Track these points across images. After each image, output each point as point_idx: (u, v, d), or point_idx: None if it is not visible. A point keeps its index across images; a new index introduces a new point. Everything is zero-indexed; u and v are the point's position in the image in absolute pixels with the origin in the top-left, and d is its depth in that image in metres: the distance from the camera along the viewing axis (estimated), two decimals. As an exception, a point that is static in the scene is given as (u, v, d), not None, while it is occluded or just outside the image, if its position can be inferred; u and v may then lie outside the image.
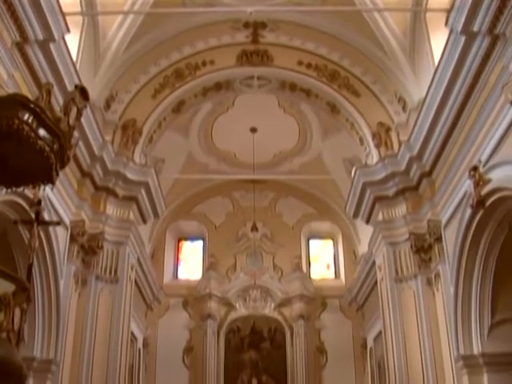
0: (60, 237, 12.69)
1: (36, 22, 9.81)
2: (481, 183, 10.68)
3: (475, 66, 10.50)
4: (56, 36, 10.36)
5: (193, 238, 22.04)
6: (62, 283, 12.75)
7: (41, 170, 6.80)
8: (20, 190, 8.38)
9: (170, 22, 14.59)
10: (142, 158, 15.77)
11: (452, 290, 12.36)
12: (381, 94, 15.37)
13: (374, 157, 15.40)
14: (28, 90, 10.28)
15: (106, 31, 14.26)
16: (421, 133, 13.25)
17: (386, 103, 15.32)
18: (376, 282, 15.82)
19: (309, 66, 15.61)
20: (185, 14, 14.28)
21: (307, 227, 21.64)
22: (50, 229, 11.93)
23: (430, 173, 13.76)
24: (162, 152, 17.70)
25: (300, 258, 20.90)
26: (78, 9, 12.90)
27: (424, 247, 13.88)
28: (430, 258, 13.77)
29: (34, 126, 6.31)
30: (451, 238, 12.45)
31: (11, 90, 9.16)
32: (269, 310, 20.05)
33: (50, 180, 7.06)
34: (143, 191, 15.37)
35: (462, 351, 11.95)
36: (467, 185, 11.24)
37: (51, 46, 10.58)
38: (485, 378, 11.52)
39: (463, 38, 10.26)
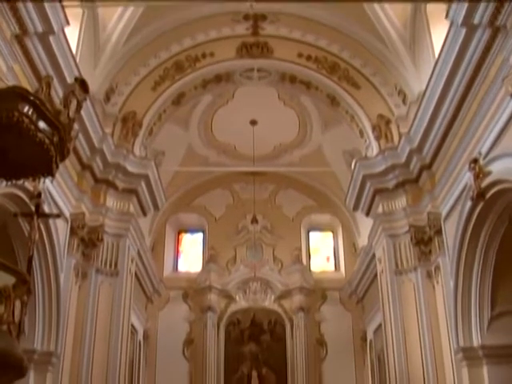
0: (60, 229, 12.70)
1: (35, 15, 9.77)
2: (481, 175, 10.68)
3: (476, 59, 10.48)
4: (55, 28, 10.32)
5: (193, 231, 22.05)
6: (62, 276, 12.75)
7: (41, 162, 6.81)
8: (20, 182, 8.38)
9: (170, 14, 14.55)
10: (141, 151, 15.75)
11: (452, 282, 12.38)
12: (381, 86, 15.35)
13: (374, 149, 15.39)
14: (28, 83, 10.25)
15: (105, 23, 14.23)
16: (421, 125, 13.24)
17: (386, 95, 15.30)
18: (376, 275, 15.84)
19: (309, 58, 15.58)
20: (185, 5, 14.25)
21: (307, 219, 21.65)
22: (50, 221, 11.94)
23: (430, 165, 13.75)
24: (161, 144, 17.69)
25: (300, 250, 20.92)
26: (78, 1, 12.86)
27: (424, 240, 13.89)
28: (430, 251, 13.78)
29: (34, 118, 6.31)
30: (451, 231, 12.45)
31: (11, 82, 9.14)
32: (269, 302, 20.08)
33: (49, 172, 7.06)
34: (143, 184, 15.37)
35: (461, 343, 11.98)
36: (467, 177, 11.24)
37: (51, 38, 10.54)
38: (484, 370, 11.55)
39: (464, 31, 10.23)
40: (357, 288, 19.11)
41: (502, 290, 11.74)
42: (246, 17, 14.87)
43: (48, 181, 10.76)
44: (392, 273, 14.40)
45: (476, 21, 9.73)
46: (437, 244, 13.48)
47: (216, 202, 21.43)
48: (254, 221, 19.07)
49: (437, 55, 11.86)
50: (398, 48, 14.49)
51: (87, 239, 13.94)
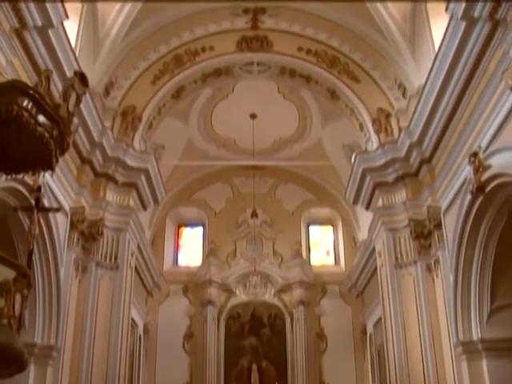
0: (60, 223, 12.70)
1: (34, 8, 9.75)
2: (481, 169, 10.68)
3: (475, 52, 10.46)
4: (55, 22, 10.30)
5: (193, 225, 22.06)
6: (62, 270, 12.76)
7: (40, 156, 6.81)
8: (20, 176, 8.39)
9: (169, 7, 14.52)
10: (141, 145, 15.75)
11: (452, 276, 12.39)
12: (381, 80, 15.33)
13: (374, 143, 15.38)
14: (27, 77, 10.24)
15: (105, 18, 14.20)
16: (421, 119, 13.23)
17: (386, 89, 15.28)
18: (376, 268, 15.85)
19: (308, 51, 15.55)
20: (184, -1, 14.25)
21: (307, 213, 21.66)
22: (50, 216, 11.94)
23: (429, 159, 13.75)
24: (161, 138, 17.68)
25: (300, 244, 20.93)
26: (77, -5, 12.86)
27: (424, 233, 13.89)
28: (430, 244, 13.79)
29: (34, 112, 6.31)
30: (451, 225, 12.46)
31: (10, 76, 9.14)
32: (269, 296, 20.11)
33: (49, 166, 7.07)
34: (143, 178, 15.37)
35: (461, 337, 12.00)
36: (467, 171, 11.24)
37: (50, 32, 10.53)
38: (484, 363, 11.58)
39: (464, 24, 10.21)
40: (357, 282, 19.14)
41: (501, 283, 11.75)
42: (246, 10, 14.86)
43: (48, 175, 10.76)
44: (392, 266, 14.41)
45: (476, 14, 9.70)
46: (436, 238, 13.48)
47: (216, 196, 21.43)
48: (254, 215, 19.05)
49: (437, 49, 11.84)
50: (398, 41, 14.46)
51: (87, 233, 13.95)
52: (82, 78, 7.09)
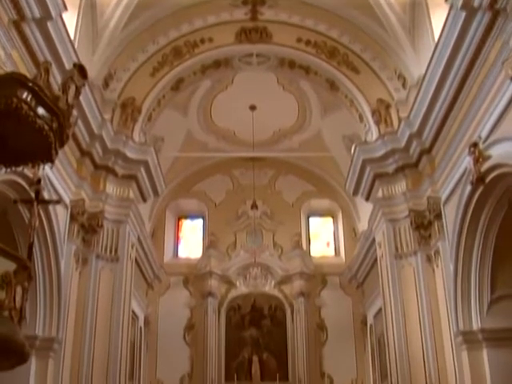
0: (60, 216, 12.69)
1: (33, 0, 9.73)
2: (481, 160, 10.67)
3: (475, 42, 10.43)
4: (53, 14, 10.27)
5: (193, 217, 22.08)
6: (62, 262, 12.76)
7: (40, 148, 6.80)
8: (19, 169, 8.37)
9: (168, -1, 14.52)
10: (141, 137, 15.72)
11: (452, 266, 12.39)
12: (380, 70, 15.30)
13: (374, 134, 15.36)
14: (26, 69, 10.20)
15: (103, 9, 14.15)
16: (421, 109, 13.21)
17: (386, 80, 15.25)
18: (376, 259, 15.87)
19: (308, 42, 15.52)
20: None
21: (307, 205, 21.67)
22: (50, 208, 11.94)
23: (429, 149, 13.74)
24: (161, 130, 17.67)
25: (300, 235, 20.97)
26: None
27: (424, 224, 13.90)
28: (430, 235, 13.80)
29: (33, 104, 6.30)
30: (451, 215, 12.46)
31: (9, 68, 9.12)
32: (269, 287, 20.14)
33: (49, 159, 7.06)
34: (143, 170, 15.36)
35: (461, 327, 12.01)
36: (467, 161, 11.23)
37: (49, 24, 10.49)
38: (484, 353, 11.61)
39: (463, 14, 10.18)
40: (357, 273, 19.16)
41: (501, 273, 11.76)
42: (245, 1, 14.85)
43: (47, 167, 10.73)
44: (392, 257, 14.42)
45: (476, 4, 9.67)
46: (436, 228, 13.48)
47: (216, 188, 21.44)
48: (254, 206, 19.05)
49: (436, 39, 11.81)
50: (398, 32, 14.43)
51: (87, 225, 13.95)
52: (81, 69, 7.06)
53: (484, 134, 10.64)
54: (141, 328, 18.21)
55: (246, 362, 19.09)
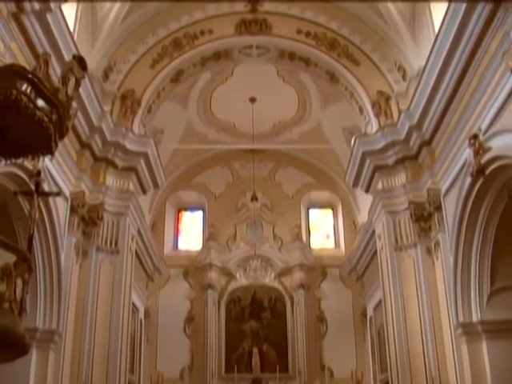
0: (60, 208, 12.70)
1: (32, -8, 9.72)
2: (481, 151, 10.66)
3: (476, 34, 10.41)
4: (52, 6, 10.26)
5: (193, 209, 22.08)
6: (62, 254, 12.77)
7: (40, 140, 6.79)
8: (19, 161, 8.35)
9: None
10: (141, 129, 15.71)
11: (451, 258, 12.40)
12: (380, 62, 15.27)
13: (374, 126, 15.35)
14: (25, 61, 10.17)
15: (102, 1, 14.11)
16: (421, 101, 13.20)
17: (386, 72, 15.23)
18: (376, 251, 15.87)
19: (308, 34, 15.48)
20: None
21: (307, 197, 21.67)
22: (50, 200, 11.95)
23: (429, 141, 13.72)
24: (160, 122, 17.64)
25: (300, 227, 20.96)
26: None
27: (424, 216, 13.90)
28: (430, 227, 13.80)
29: (33, 96, 6.28)
30: (451, 207, 12.46)
31: (8, 60, 9.11)
32: (269, 279, 20.16)
33: (49, 151, 7.05)
34: (143, 162, 15.35)
35: (461, 319, 12.03)
36: (467, 153, 11.22)
37: (48, 16, 10.47)
38: (483, 345, 11.62)
39: (464, 6, 10.16)
40: (357, 265, 19.18)
41: (501, 265, 11.76)
42: (245, -7, 14.81)
43: (47, 159, 10.71)
44: (392, 249, 14.43)
45: (476, -5, 9.67)
46: (436, 220, 13.49)
47: (215, 180, 21.44)
48: (254, 198, 19.06)
49: (437, 30, 11.79)
50: (398, 24, 14.41)
51: (87, 218, 13.95)
52: (80, 61, 7.06)
53: (484, 125, 10.63)
54: (141, 320, 18.24)
55: (246, 354, 19.12)
